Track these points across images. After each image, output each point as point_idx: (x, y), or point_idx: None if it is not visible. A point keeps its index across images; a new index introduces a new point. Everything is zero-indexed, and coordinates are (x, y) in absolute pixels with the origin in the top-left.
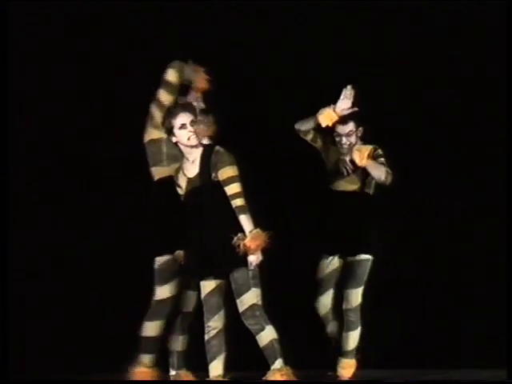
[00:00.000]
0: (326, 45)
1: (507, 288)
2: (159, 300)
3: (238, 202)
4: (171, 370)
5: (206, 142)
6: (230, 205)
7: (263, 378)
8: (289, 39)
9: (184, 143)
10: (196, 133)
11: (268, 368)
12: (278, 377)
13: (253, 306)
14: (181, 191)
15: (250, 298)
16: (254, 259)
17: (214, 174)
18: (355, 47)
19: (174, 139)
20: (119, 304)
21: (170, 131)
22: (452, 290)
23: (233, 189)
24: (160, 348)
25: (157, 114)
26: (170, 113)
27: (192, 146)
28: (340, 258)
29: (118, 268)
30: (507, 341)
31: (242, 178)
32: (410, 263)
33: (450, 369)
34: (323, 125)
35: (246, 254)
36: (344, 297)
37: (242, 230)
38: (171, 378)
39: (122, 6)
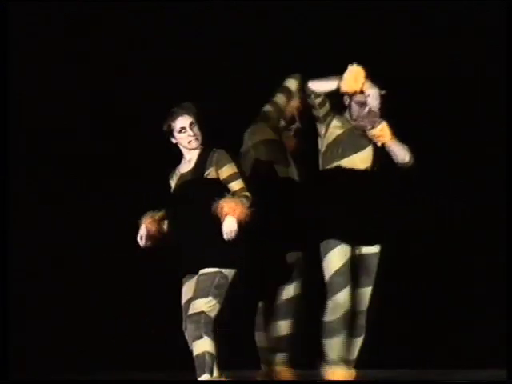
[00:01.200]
0: (326, 44)
1: (507, 288)
2: (287, 299)
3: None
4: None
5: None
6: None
7: None
8: (289, 39)
9: (185, 146)
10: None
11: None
12: None
13: (201, 313)
14: (172, 187)
15: (203, 304)
16: (226, 227)
17: (207, 172)
18: (355, 47)
19: (173, 141)
20: (119, 304)
21: (169, 133)
22: (452, 289)
23: (238, 184)
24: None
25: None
26: (169, 114)
27: (192, 149)
28: (352, 247)
29: (118, 268)
30: (507, 341)
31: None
32: (409, 263)
33: (450, 369)
34: (348, 89)
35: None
36: (356, 296)
37: (219, 227)
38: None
39: (121, 6)
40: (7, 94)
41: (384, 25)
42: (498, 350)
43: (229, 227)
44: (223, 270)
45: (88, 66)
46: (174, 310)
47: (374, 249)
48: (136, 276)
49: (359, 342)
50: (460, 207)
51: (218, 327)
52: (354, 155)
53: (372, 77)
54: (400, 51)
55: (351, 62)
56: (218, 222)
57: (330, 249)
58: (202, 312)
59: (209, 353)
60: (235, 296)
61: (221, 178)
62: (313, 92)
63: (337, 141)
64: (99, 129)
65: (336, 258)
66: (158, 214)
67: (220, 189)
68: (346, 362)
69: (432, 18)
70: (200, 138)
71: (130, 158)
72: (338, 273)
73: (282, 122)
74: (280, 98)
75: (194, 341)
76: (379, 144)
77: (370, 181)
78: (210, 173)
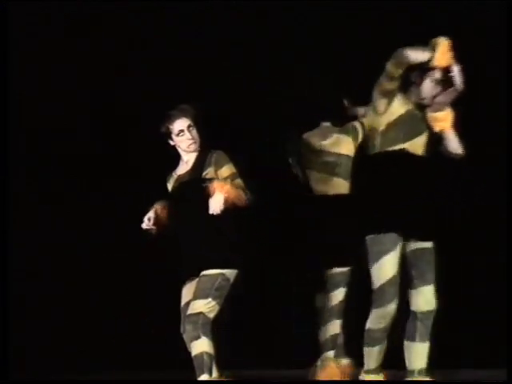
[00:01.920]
0: (325, 45)
1: (507, 288)
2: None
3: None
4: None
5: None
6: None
7: None
8: (289, 39)
9: (183, 149)
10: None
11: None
12: None
13: (199, 314)
14: (169, 189)
15: (202, 305)
16: (213, 201)
17: (205, 172)
18: (355, 47)
19: (171, 143)
20: (119, 304)
21: (167, 136)
22: (452, 289)
23: (237, 185)
24: None
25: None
26: (167, 117)
27: (190, 152)
28: (407, 242)
29: (118, 268)
30: (507, 341)
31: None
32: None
33: (450, 369)
34: (440, 64)
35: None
36: (418, 296)
37: (223, 228)
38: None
39: (122, 6)
40: (7, 94)
41: (384, 25)
42: (497, 350)
43: (216, 202)
44: (225, 272)
45: (88, 65)
46: (174, 309)
47: (429, 243)
48: (136, 276)
49: (426, 347)
50: (460, 207)
51: (219, 327)
52: (416, 139)
53: (371, 77)
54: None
55: (351, 62)
56: (218, 222)
57: (384, 253)
58: (201, 313)
59: (207, 353)
60: (236, 296)
61: (220, 178)
62: (407, 60)
63: (399, 121)
64: (99, 129)
65: (390, 265)
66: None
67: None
68: (420, 372)
69: (432, 18)
70: (198, 140)
71: (129, 158)
72: (390, 282)
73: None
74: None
75: (191, 341)
76: (437, 129)
77: (427, 169)
78: (209, 173)
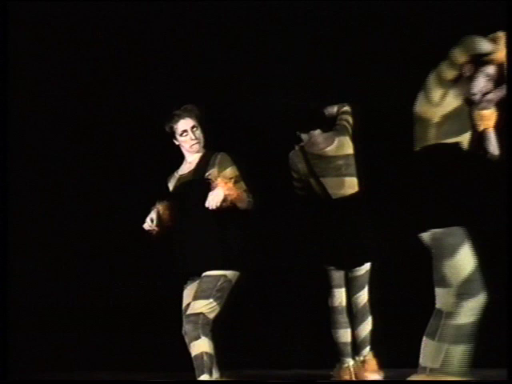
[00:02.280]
0: (326, 45)
1: (507, 288)
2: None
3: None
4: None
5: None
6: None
7: None
8: (289, 39)
9: (187, 149)
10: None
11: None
12: None
13: (199, 314)
14: (170, 188)
15: (202, 305)
16: (212, 195)
17: (208, 173)
18: (355, 47)
19: (176, 142)
20: (119, 304)
21: (172, 135)
22: None
23: (241, 186)
24: None
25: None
26: (171, 117)
27: (194, 152)
28: None
29: (118, 268)
30: (507, 340)
31: None
32: (410, 263)
33: None
34: (499, 58)
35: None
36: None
37: (225, 228)
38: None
39: (122, 6)
40: (7, 94)
41: (384, 25)
42: (498, 349)
43: (214, 196)
44: (227, 274)
45: (88, 65)
46: (176, 310)
47: None
48: (136, 276)
49: (445, 348)
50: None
51: (220, 327)
52: (466, 134)
53: (372, 77)
54: (400, 51)
55: (350, 63)
56: (221, 223)
57: (460, 245)
58: (201, 313)
59: (207, 353)
60: (237, 296)
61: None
62: (476, 48)
63: (453, 114)
64: (99, 129)
65: (469, 255)
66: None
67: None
68: (431, 370)
69: (432, 18)
70: (202, 141)
71: (130, 158)
72: (476, 271)
73: None
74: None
75: (191, 341)
76: (481, 128)
77: (472, 166)
78: (212, 173)
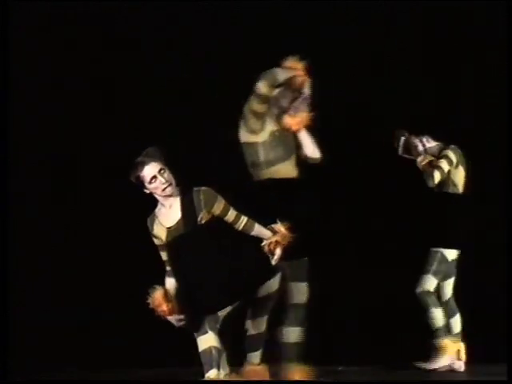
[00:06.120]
0: (325, 46)
1: (507, 288)
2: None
3: (243, 222)
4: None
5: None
6: (223, 241)
7: None
8: (288, 40)
9: (159, 194)
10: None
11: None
12: None
13: None
14: (159, 241)
15: None
16: (279, 253)
17: (199, 218)
18: (355, 47)
19: (146, 191)
20: (119, 304)
21: (140, 185)
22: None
23: (233, 214)
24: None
25: (251, 121)
26: (134, 166)
27: (168, 196)
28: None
29: (118, 267)
30: (507, 335)
31: None
32: (412, 263)
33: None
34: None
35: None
36: None
37: (237, 262)
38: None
39: (122, 6)
40: (7, 94)
41: (384, 25)
42: (497, 345)
43: (279, 255)
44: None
45: (88, 65)
46: None
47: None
48: (137, 275)
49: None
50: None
51: (228, 325)
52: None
53: (372, 77)
54: (400, 51)
55: (351, 62)
56: (226, 263)
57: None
58: None
59: (215, 347)
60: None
61: (215, 215)
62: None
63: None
64: (99, 129)
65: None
66: (162, 292)
67: (217, 227)
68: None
69: (431, 17)
70: (174, 181)
71: (130, 158)
72: None
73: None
74: (254, 104)
75: (198, 336)
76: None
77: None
78: (203, 217)
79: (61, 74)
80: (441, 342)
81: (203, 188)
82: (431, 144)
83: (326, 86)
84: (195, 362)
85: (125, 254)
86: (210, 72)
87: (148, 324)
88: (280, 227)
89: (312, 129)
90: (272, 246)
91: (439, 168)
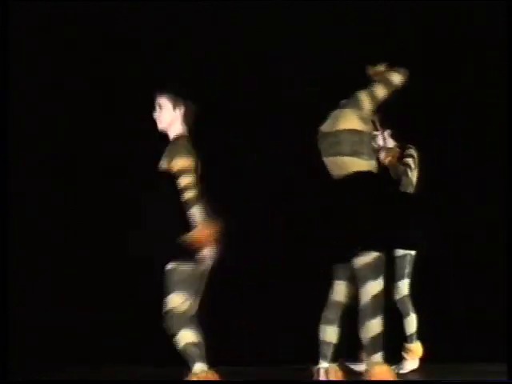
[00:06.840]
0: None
1: (507, 283)
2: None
3: (187, 195)
4: (322, 362)
5: None
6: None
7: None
8: (288, 39)
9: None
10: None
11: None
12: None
13: (172, 310)
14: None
15: (173, 300)
16: (206, 253)
17: (161, 163)
18: (354, 48)
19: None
20: (120, 304)
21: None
22: (453, 289)
23: (184, 181)
24: None
25: (367, 106)
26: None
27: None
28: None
29: (118, 267)
30: (507, 334)
31: None
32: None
33: (450, 363)
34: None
35: (198, 250)
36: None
37: (183, 227)
38: (321, 371)
39: (122, 6)
40: (7, 94)
41: (384, 25)
42: (497, 344)
43: (208, 255)
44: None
45: (88, 65)
46: None
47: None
48: (137, 275)
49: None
50: (460, 207)
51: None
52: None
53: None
54: (399, 51)
55: (350, 63)
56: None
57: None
58: (174, 308)
59: (193, 343)
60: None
61: (172, 171)
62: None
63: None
64: (99, 129)
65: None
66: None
67: (170, 182)
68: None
69: (432, 18)
70: (164, 123)
71: (131, 158)
72: None
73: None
74: (379, 89)
75: (173, 337)
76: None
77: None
78: (163, 164)
79: (61, 73)
80: (412, 345)
81: (180, 141)
82: (390, 141)
83: (326, 86)
84: None
85: (125, 254)
86: (210, 72)
87: (148, 324)
88: (202, 225)
89: (312, 129)
90: (192, 242)
91: (410, 167)
